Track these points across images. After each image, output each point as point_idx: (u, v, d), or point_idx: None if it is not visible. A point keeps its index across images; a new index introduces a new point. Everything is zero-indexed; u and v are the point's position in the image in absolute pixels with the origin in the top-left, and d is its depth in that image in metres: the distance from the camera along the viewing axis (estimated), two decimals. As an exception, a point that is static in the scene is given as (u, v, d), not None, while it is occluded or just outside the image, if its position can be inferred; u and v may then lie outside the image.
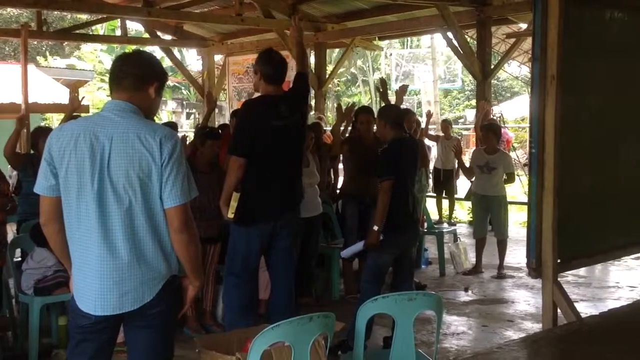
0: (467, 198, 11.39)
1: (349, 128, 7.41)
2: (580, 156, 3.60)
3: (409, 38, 26.17)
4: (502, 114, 15.02)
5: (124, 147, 2.67)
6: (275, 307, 4.83)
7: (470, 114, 28.84)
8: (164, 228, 2.76)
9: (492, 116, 11.31)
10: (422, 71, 24.03)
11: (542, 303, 3.49)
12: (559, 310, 3.50)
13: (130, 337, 2.85)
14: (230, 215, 4.43)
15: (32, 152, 6.32)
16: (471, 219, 11.21)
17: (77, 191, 2.69)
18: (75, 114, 5.64)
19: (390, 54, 32.77)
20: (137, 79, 2.79)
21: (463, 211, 12.37)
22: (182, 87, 30.16)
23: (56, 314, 5.34)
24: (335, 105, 7.58)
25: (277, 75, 4.58)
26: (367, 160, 6.40)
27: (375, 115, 5.45)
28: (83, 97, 5.84)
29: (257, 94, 4.84)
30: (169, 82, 29.82)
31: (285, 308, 4.79)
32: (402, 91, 6.99)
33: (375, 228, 4.84)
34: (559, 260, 3.46)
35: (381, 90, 6.64)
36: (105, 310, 2.70)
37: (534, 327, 5.73)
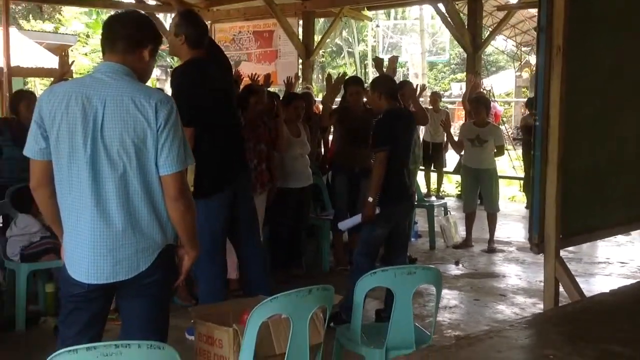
0: (455, 171, 11.36)
1: (338, 99, 7.31)
2: (584, 130, 3.52)
3: (393, 9, 25.99)
4: (492, 87, 14.94)
5: (118, 111, 2.56)
6: (252, 280, 4.67)
7: (456, 88, 28.77)
8: (160, 196, 2.66)
9: (481, 89, 11.23)
10: (409, 43, 23.82)
11: (544, 279, 3.45)
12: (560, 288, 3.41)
13: (124, 307, 2.77)
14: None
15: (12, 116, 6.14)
16: (459, 193, 11.21)
17: (69, 155, 2.58)
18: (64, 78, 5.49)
19: (377, 25, 32.56)
20: (131, 40, 2.67)
21: (451, 185, 12.35)
22: (166, 54, 29.77)
23: (43, 280, 5.25)
24: (325, 76, 7.43)
25: (202, 38, 4.29)
26: (356, 131, 6.33)
27: (369, 86, 5.34)
28: (73, 61, 5.65)
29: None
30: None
31: (263, 279, 4.66)
32: (392, 62, 6.89)
33: (370, 200, 4.77)
34: (560, 236, 3.37)
35: (377, 67, 6.52)
36: (99, 278, 2.60)
37: (527, 301, 5.72)
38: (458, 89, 28.57)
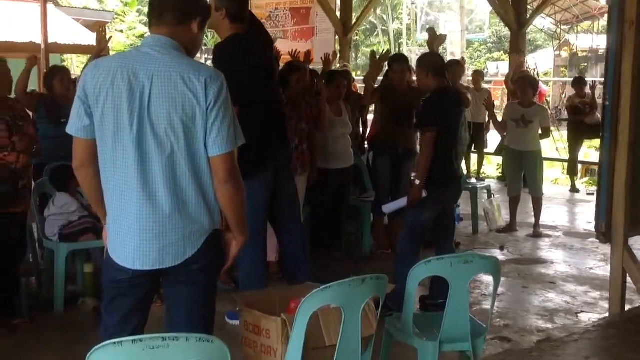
0: (496, 153, 11.08)
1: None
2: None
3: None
4: (536, 66, 14.55)
5: (166, 88, 2.41)
6: (293, 263, 4.57)
7: (492, 67, 28.22)
8: (208, 178, 2.51)
9: (526, 68, 10.90)
10: (446, 21, 23.36)
11: (611, 269, 3.23)
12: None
13: (169, 294, 2.63)
14: None
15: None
16: (500, 175, 10.95)
17: (114, 134, 2.44)
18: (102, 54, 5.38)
19: (413, 3, 32.03)
20: (179, 12, 2.51)
21: (491, 167, 12.07)
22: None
23: (82, 260, 5.17)
24: (357, 54, 7.18)
25: (243, 12, 4.14)
26: (400, 111, 6.14)
27: (415, 64, 5.12)
28: (111, 37, 5.54)
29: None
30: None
31: (304, 262, 4.55)
32: (440, 40, 6.65)
33: (418, 182, 4.59)
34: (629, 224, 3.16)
35: (430, 40, 6.26)
36: (145, 264, 2.47)
37: (577, 289, 5.50)
38: (494, 68, 28.04)
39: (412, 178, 4.71)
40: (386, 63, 6.34)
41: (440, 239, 4.90)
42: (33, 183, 4.91)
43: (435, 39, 6.34)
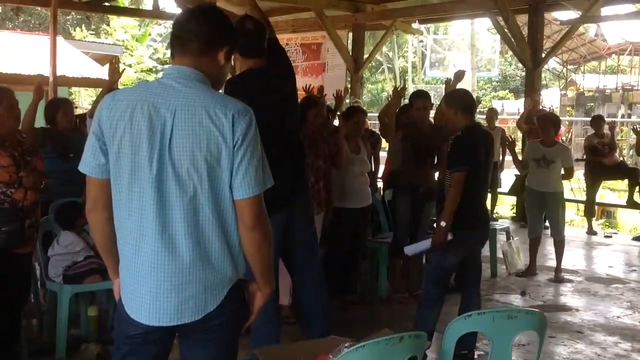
0: (510, 192, 10.85)
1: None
2: None
3: (433, 25, 25.38)
4: (552, 105, 14.38)
5: (190, 123, 2.18)
6: (309, 309, 4.32)
7: (497, 105, 28.12)
8: (233, 223, 2.27)
9: (541, 107, 10.71)
10: (456, 59, 23.32)
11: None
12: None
13: (187, 351, 2.37)
14: None
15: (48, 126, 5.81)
16: (514, 215, 10.70)
17: (130, 174, 2.21)
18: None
19: (421, 41, 32.08)
20: (204, 40, 2.29)
21: (504, 207, 11.82)
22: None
23: (86, 303, 4.90)
24: (375, 90, 6.94)
25: (252, 47, 3.96)
26: (423, 149, 5.93)
27: (442, 101, 4.91)
28: (124, 69, 5.36)
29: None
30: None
31: (321, 308, 4.30)
32: (458, 77, 6.46)
33: (443, 224, 4.34)
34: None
35: (452, 82, 6.08)
36: (161, 319, 2.22)
37: (607, 340, 5.20)
38: (500, 106, 27.92)
39: (438, 219, 4.45)
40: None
41: (466, 285, 4.65)
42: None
43: (459, 80, 6.18)
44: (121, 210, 2.26)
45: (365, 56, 12.81)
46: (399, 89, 6.36)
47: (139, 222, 2.22)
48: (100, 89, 8.63)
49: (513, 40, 10.24)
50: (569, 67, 34.46)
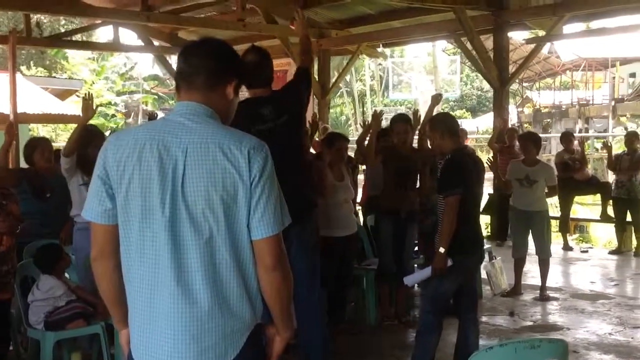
0: (484, 212, 10.84)
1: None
2: None
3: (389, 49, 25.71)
4: (521, 123, 14.52)
5: (204, 161, 2.05)
6: (309, 345, 4.25)
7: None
8: (251, 264, 2.14)
9: (510, 125, 10.78)
10: (419, 80, 23.52)
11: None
12: None
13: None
14: None
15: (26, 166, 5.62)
16: (489, 234, 10.69)
17: (142, 218, 2.07)
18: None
19: (379, 64, 32.35)
20: (212, 75, 2.18)
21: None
22: (169, 98, 29.52)
23: (69, 350, 4.68)
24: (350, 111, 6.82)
25: (252, 78, 4.07)
26: (404, 172, 5.87)
27: (428, 126, 4.85)
28: (98, 105, 5.19)
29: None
30: (157, 92, 29.21)
31: (322, 345, 4.28)
32: (436, 100, 6.45)
33: (442, 250, 4.24)
34: None
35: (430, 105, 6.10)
36: (180, 373, 2.07)
37: (604, 358, 5.16)
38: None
39: (435, 246, 4.36)
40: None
41: (463, 311, 4.55)
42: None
43: (437, 103, 6.19)
44: (131, 257, 2.11)
45: (333, 80, 12.79)
46: (376, 114, 6.31)
47: (153, 269, 2.08)
48: (58, 124, 8.39)
49: (479, 60, 10.34)
50: (525, 84, 35.10)
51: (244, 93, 3.96)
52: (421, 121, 6.38)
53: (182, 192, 2.05)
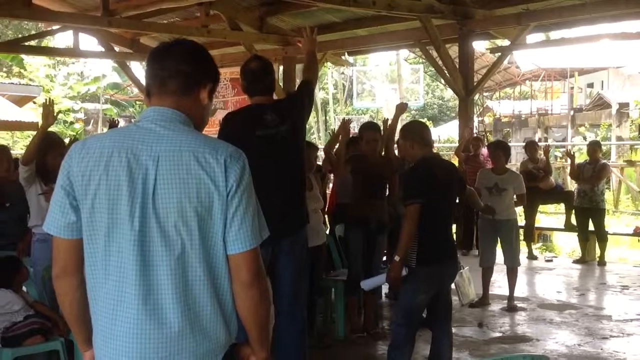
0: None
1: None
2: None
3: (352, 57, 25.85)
4: (485, 131, 14.60)
5: (176, 171, 1.92)
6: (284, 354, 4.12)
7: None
8: (226, 281, 2.01)
9: (475, 134, 10.79)
10: (383, 89, 23.56)
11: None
12: None
13: None
14: None
15: None
16: (455, 243, 10.66)
17: (108, 232, 1.93)
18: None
19: (342, 73, 32.40)
20: (186, 78, 2.05)
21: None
22: (129, 105, 29.08)
23: (26, 367, 4.46)
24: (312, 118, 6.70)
25: (250, 86, 4.16)
26: (374, 181, 5.78)
27: (398, 134, 4.77)
28: (59, 112, 5.00)
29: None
30: (117, 99, 28.76)
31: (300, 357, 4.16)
32: (401, 109, 6.38)
33: (397, 259, 4.15)
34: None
35: (395, 114, 6.04)
36: (147, 400, 1.92)
37: (575, 369, 5.12)
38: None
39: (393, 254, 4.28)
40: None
41: (437, 324, 4.46)
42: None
43: (402, 112, 6.15)
44: (96, 274, 1.97)
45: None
46: (343, 122, 6.23)
47: (117, 286, 1.94)
48: (15, 131, 8.12)
49: (445, 69, 10.34)
50: (485, 94, 35.48)
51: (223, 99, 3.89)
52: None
53: (153, 204, 1.91)
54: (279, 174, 3.98)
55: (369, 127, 5.95)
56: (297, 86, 4.62)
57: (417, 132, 4.45)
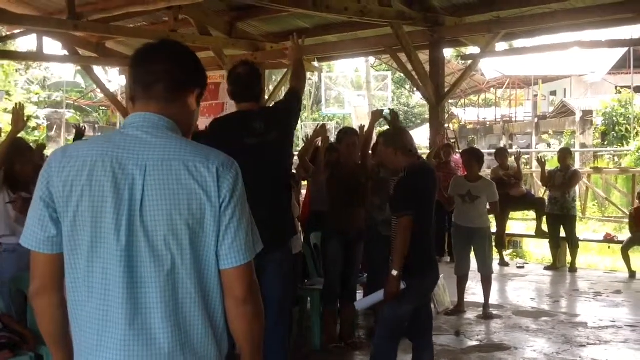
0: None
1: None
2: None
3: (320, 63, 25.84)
4: (456, 137, 14.65)
5: (166, 181, 1.79)
6: None
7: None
8: (218, 298, 1.88)
9: (446, 140, 10.79)
10: (352, 95, 23.54)
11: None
12: None
13: None
14: None
15: None
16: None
17: (91, 246, 1.78)
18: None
19: (309, 79, 32.25)
20: (174, 83, 1.92)
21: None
22: (93, 110, 28.65)
23: (-8, 385, 4.26)
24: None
25: (238, 92, 4.05)
26: (351, 188, 5.68)
27: (381, 142, 4.67)
28: (29, 117, 4.80)
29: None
30: (80, 104, 28.29)
31: None
32: (375, 116, 6.30)
33: (395, 273, 4.05)
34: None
35: (370, 120, 5.97)
36: None
37: (554, 378, 5.08)
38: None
39: (389, 269, 4.17)
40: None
41: (418, 335, 4.38)
42: None
43: (377, 119, 6.09)
44: (78, 292, 1.82)
45: (267, 96, 12.57)
46: (318, 128, 6.15)
47: (102, 305, 1.79)
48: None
49: (416, 76, 10.31)
50: (450, 101, 35.77)
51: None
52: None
53: (141, 217, 1.78)
54: (267, 183, 3.86)
55: (349, 132, 5.91)
56: (284, 94, 4.49)
57: (399, 140, 4.37)
